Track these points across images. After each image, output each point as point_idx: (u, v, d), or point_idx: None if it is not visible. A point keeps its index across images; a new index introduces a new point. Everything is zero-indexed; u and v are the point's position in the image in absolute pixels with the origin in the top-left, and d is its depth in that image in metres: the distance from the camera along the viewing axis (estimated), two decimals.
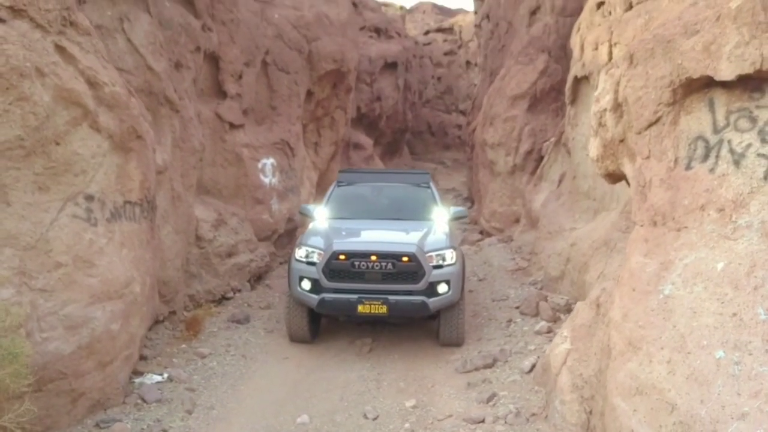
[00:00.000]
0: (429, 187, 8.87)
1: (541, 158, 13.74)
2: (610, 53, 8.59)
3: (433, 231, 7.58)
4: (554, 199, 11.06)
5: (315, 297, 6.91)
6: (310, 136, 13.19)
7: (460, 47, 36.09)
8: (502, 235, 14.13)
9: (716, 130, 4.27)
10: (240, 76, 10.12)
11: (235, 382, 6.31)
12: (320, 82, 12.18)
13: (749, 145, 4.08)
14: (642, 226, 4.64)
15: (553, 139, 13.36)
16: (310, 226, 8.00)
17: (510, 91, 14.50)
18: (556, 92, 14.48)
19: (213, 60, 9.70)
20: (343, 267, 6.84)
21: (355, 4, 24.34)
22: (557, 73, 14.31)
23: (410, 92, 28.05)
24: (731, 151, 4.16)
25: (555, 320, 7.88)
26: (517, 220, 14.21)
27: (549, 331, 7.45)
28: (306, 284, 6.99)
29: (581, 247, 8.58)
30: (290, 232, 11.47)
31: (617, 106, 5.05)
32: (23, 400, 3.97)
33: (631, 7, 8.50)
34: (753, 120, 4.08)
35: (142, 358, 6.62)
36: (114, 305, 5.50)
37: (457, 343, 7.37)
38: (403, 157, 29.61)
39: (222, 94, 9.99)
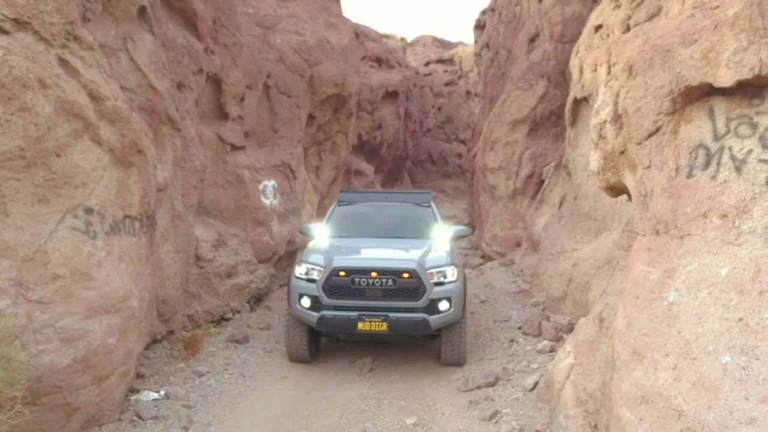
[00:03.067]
0: (430, 206, 8.86)
1: (542, 182, 13.77)
2: (609, 74, 8.66)
3: (434, 249, 7.54)
4: (555, 222, 11.03)
5: (314, 314, 6.83)
6: (312, 159, 13.24)
7: (460, 77, 36.47)
8: (504, 258, 14.08)
9: (717, 138, 4.26)
10: (242, 99, 10.20)
11: (233, 399, 6.20)
12: (321, 106, 12.28)
13: (750, 151, 4.07)
14: (644, 235, 4.60)
15: (553, 163, 13.41)
16: (311, 244, 7.97)
17: (510, 116, 14.61)
18: (556, 117, 14.59)
19: (215, 82, 9.79)
20: (343, 283, 6.79)
21: (356, 35, 24.76)
22: (556, 98, 14.44)
23: (411, 121, 28.30)
24: (732, 157, 4.15)
25: (558, 339, 7.78)
26: (519, 244, 14.17)
27: (552, 350, 7.35)
28: (306, 301, 6.92)
29: (583, 267, 8.52)
30: (290, 254, 11.42)
31: (617, 118, 5.05)
32: (15, 404, 3.89)
33: (629, 29, 8.62)
34: (753, 126, 4.08)
35: (139, 376, 6.52)
36: (111, 319, 5.43)
37: (458, 362, 7.26)
38: (404, 184, 29.70)
39: (224, 115, 10.05)
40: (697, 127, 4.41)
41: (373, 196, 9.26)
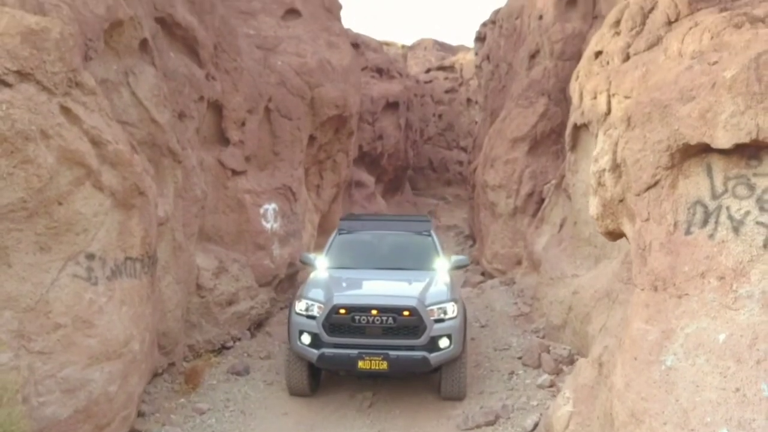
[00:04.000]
0: (430, 235, 8.87)
1: (542, 200, 13.78)
2: (609, 103, 8.68)
3: (434, 282, 7.55)
4: (556, 245, 11.04)
5: (315, 352, 6.85)
6: (312, 178, 13.26)
7: (460, 85, 36.48)
8: (505, 277, 14.08)
9: (715, 196, 4.29)
10: (243, 123, 10.22)
11: None
12: (322, 127, 12.30)
13: (747, 213, 4.09)
14: (643, 290, 4.62)
15: (554, 182, 13.42)
16: (311, 275, 7.98)
17: (510, 134, 14.62)
18: (556, 135, 14.60)
19: (216, 108, 9.81)
20: (343, 321, 6.81)
21: (357, 45, 24.78)
22: (557, 116, 14.45)
23: (411, 131, 28.31)
24: (730, 217, 4.18)
25: (557, 372, 7.80)
26: (519, 262, 14.17)
27: (552, 384, 7.36)
28: (306, 338, 6.94)
29: (583, 297, 8.54)
30: (291, 277, 11.45)
31: (616, 167, 5.08)
32: None
33: (628, 57, 8.62)
34: (751, 187, 4.11)
35: (140, 414, 6.55)
36: (112, 365, 5.45)
37: (458, 397, 7.28)
38: (405, 193, 29.70)
39: (225, 140, 10.07)
40: (695, 183, 4.44)
41: (374, 224, 9.27)
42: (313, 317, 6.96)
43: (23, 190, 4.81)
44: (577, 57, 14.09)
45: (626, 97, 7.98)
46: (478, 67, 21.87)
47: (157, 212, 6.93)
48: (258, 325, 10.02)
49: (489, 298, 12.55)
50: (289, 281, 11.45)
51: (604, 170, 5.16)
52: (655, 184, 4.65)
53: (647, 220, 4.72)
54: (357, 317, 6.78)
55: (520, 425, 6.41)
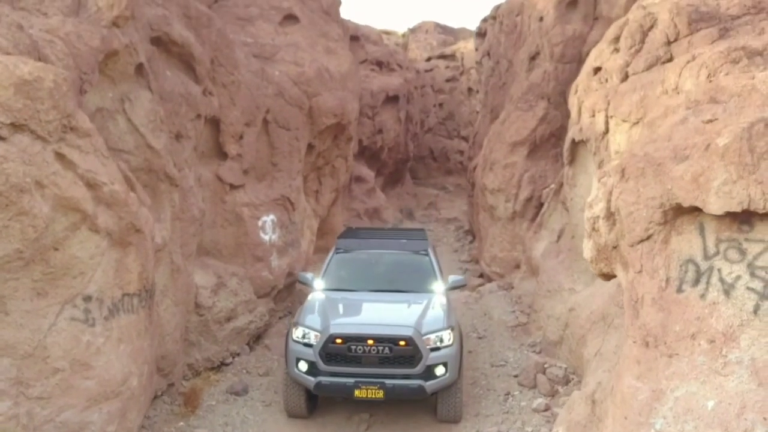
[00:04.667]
0: (427, 255, 8.90)
1: (541, 205, 13.79)
2: (606, 123, 8.66)
3: (431, 307, 7.60)
4: (554, 256, 11.08)
5: (312, 380, 6.94)
6: (311, 184, 13.26)
7: (461, 74, 36.25)
8: (503, 281, 14.14)
9: (706, 257, 4.31)
10: (240, 137, 10.20)
11: None
12: (321, 135, 12.28)
13: (738, 277, 4.12)
14: (635, 342, 4.67)
15: (553, 186, 13.41)
16: (309, 298, 8.04)
17: (510, 138, 14.58)
18: (556, 138, 14.56)
19: (214, 123, 9.78)
20: (339, 351, 6.88)
21: (356, 38, 24.60)
22: (557, 119, 14.39)
23: (412, 123, 28.23)
24: (721, 280, 4.20)
25: (553, 394, 7.88)
26: (518, 266, 14.22)
27: (546, 408, 7.45)
28: (303, 366, 7.02)
29: (580, 316, 8.60)
30: (289, 287, 11.51)
31: (610, 215, 5.09)
32: None
33: (627, 76, 8.59)
34: (742, 252, 4.12)
35: None
36: (111, 405, 5.53)
37: (454, 420, 7.38)
38: (405, 185, 29.69)
39: (222, 155, 10.06)
40: (688, 241, 4.46)
41: (371, 243, 9.28)
42: (309, 345, 7.03)
43: (19, 242, 4.84)
44: (578, 60, 14.02)
45: (624, 121, 7.98)
46: (479, 62, 21.74)
47: (155, 240, 6.97)
48: (257, 338, 10.09)
49: (487, 304, 12.61)
50: (287, 290, 11.51)
51: (598, 217, 5.17)
52: (648, 237, 4.67)
53: (640, 272, 4.75)
54: (353, 347, 6.84)
55: None
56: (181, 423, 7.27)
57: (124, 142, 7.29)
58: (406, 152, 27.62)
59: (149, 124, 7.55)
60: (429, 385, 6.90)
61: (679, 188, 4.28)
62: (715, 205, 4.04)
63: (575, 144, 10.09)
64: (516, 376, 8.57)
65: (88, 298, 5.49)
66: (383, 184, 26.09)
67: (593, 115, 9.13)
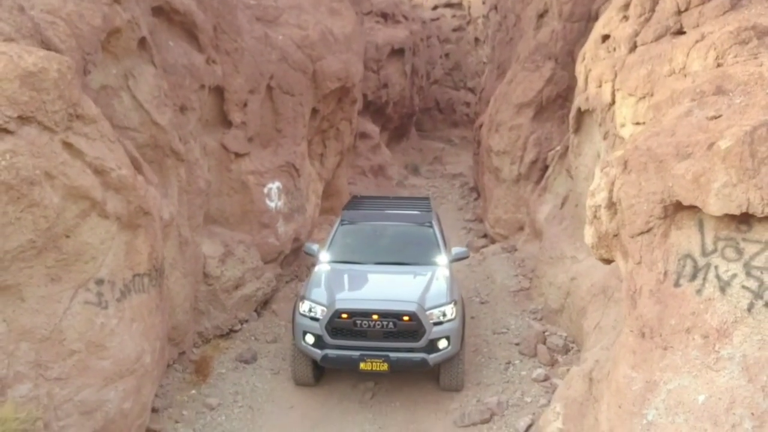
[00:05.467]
0: (431, 227, 8.99)
1: (546, 168, 13.79)
2: (613, 95, 8.60)
3: (434, 280, 7.75)
4: (557, 222, 11.16)
5: (319, 352, 7.17)
6: (316, 147, 13.26)
7: (468, 23, 35.46)
8: (506, 243, 14.26)
9: (704, 253, 4.39)
10: (245, 105, 10.17)
11: None
12: (325, 99, 12.20)
13: (735, 275, 4.21)
14: (631, 332, 4.80)
15: (558, 149, 13.37)
16: (315, 271, 8.19)
17: (516, 99, 14.44)
18: (563, 99, 14.42)
19: (218, 91, 9.74)
20: (345, 325, 7.08)
21: None
22: (564, 80, 14.21)
23: (417, 76, 27.83)
24: (718, 277, 4.29)
25: (552, 364, 8.12)
26: (522, 228, 14.33)
27: (545, 379, 7.69)
28: (310, 338, 7.24)
29: (581, 287, 8.75)
30: (296, 251, 11.67)
31: (611, 204, 5.14)
32: None
33: (635, 46, 8.47)
34: (739, 251, 4.20)
35: (154, 410, 6.92)
36: (126, 383, 5.76)
37: (456, 389, 7.64)
38: (411, 139, 29.50)
39: (227, 123, 10.05)
40: (687, 237, 4.53)
41: (376, 214, 9.37)
42: (316, 319, 7.23)
43: (32, 232, 4.95)
44: (587, 18, 13.75)
45: (630, 95, 7.92)
46: (485, 16, 21.29)
47: (163, 216, 7.09)
48: (264, 304, 10.32)
49: (490, 267, 12.78)
50: (294, 255, 11.68)
51: (599, 206, 5.22)
52: (648, 230, 4.74)
53: (639, 263, 4.84)
54: (359, 321, 7.04)
55: (513, 426, 6.76)
56: (193, 391, 7.56)
57: (130, 119, 7.32)
58: (412, 106, 27.35)
59: (153, 100, 7.56)
60: (432, 357, 7.12)
61: (680, 187, 4.32)
62: (715, 207, 4.10)
63: (581, 113, 10.03)
64: (517, 344, 8.79)
65: (100, 282, 5.64)
66: (388, 139, 25.94)
67: (600, 86, 9.05)
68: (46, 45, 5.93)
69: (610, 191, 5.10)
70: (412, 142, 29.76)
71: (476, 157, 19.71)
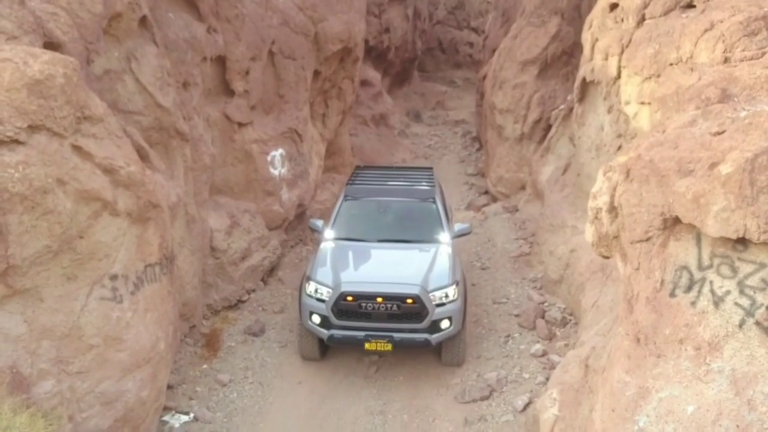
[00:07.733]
0: (434, 202, 9.09)
1: (549, 127, 13.75)
2: (619, 69, 8.52)
3: (437, 259, 7.93)
4: (558, 189, 11.26)
5: (325, 332, 7.45)
6: (318, 108, 13.19)
7: None
8: (508, 202, 14.39)
9: (701, 267, 4.53)
10: (247, 73, 10.08)
11: (254, 419, 6.99)
12: (327, 61, 12.05)
13: (728, 292, 4.36)
14: (627, 335, 5.00)
15: (562, 108, 13.30)
16: (320, 248, 8.36)
17: (520, 56, 14.25)
18: (568, 56, 14.22)
19: (219, 61, 9.65)
20: (350, 307, 7.32)
21: None
22: (569, 36, 13.98)
23: (420, 19, 27.19)
24: (712, 291, 4.44)
25: (551, 338, 8.41)
26: (523, 187, 14.44)
27: (543, 354, 7.99)
28: (316, 318, 7.50)
29: (580, 260, 8.94)
30: (300, 216, 11.83)
31: (612, 208, 5.24)
32: None
33: (643, 19, 8.33)
34: (734, 270, 4.33)
35: (169, 387, 7.24)
36: (143, 372, 6.03)
37: (458, 364, 7.96)
38: (413, 83, 29.09)
39: (229, 92, 10.01)
40: (685, 249, 4.66)
41: (380, 189, 9.45)
42: (322, 300, 7.46)
43: (47, 238, 5.09)
44: None
45: (636, 74, 7.86)
46: None
47: (170, 199, 7.21)
48: (270, 272, 10.55)
49: (491, 228, 12.96)
50: (297, 220, 11.84)
51: (601, 209, 5.33)
52: (648, 239, 4.86)
53: (637, 269, 4.99)
54: (363, 304, 7.28)
55: (512, 403, 7.10)
56: (205, 366, 7.88)
57: (134, 103, 7.32)
58: (414, 50, 26.85)
59: (157, 82, 7.53)
60: (434, 337, 7.40)
61: (680, 205, 4.41)
62: (713, 228, 4.20)
63: (586, 83, 9.94)
64: (517, 316, 9.07)
65: (114, 277, 5.81)
66: (389, 84, 25.60)
67: (606, 59, 8.95)
68: (49, 38, 5.90)
69: (612, 196, 5.19)
70: (414, 86, 29.35)
71: (479, 109, 19.54)
